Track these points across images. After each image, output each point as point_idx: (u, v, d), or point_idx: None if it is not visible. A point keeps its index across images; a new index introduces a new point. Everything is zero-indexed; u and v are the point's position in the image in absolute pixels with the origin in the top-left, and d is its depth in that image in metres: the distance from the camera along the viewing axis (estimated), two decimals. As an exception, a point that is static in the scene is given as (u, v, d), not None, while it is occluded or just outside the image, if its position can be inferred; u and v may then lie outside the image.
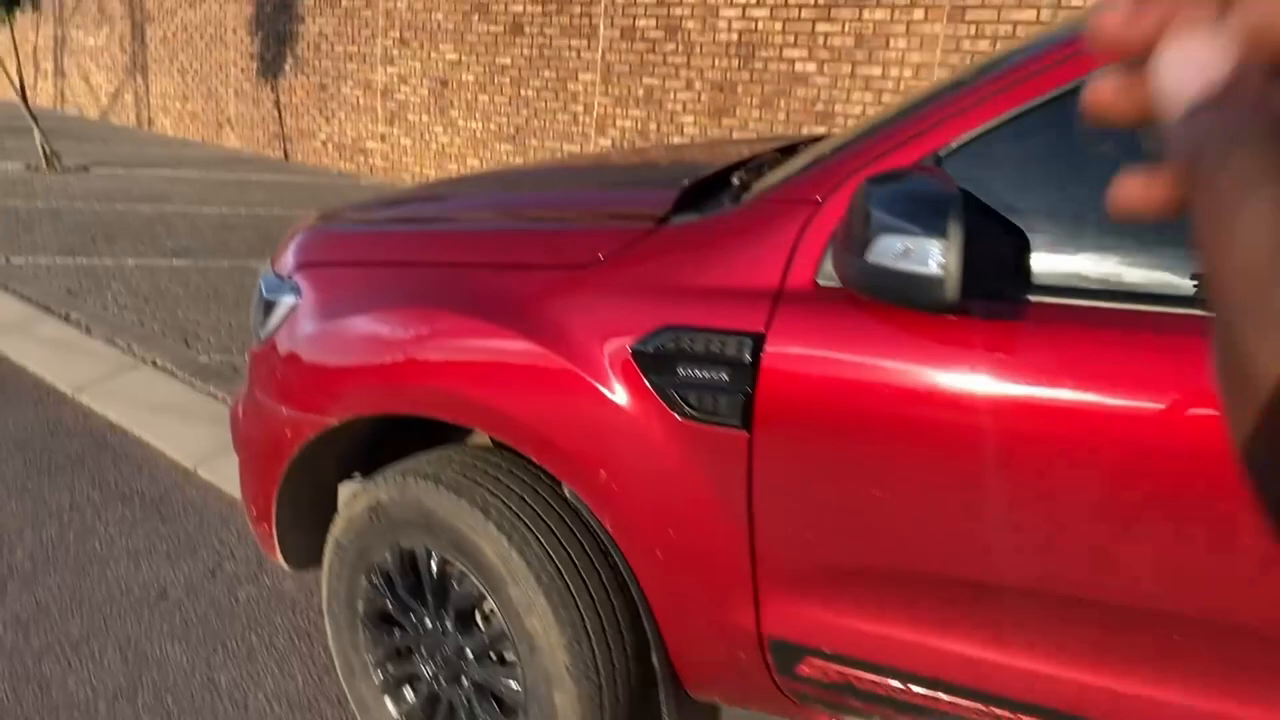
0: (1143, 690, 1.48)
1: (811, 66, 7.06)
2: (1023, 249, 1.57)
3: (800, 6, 7.07)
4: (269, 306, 2.18)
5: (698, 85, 7.69)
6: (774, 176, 1.86)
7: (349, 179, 10.39)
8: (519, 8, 8.77)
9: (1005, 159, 1.63)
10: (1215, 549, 1.38)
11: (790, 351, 1.64)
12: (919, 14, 6.54)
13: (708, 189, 2.11)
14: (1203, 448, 1.40)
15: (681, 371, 1.72)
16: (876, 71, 6.77)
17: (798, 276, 1.66)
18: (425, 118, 9.81)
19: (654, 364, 1.73)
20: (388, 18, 9.93)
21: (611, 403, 1.77)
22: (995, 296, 1.50)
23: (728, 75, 7.50)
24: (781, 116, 7.24)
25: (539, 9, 8.62)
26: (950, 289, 1.32)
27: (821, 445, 1.64)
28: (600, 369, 1.77)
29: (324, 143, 10.96)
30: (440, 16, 9.46)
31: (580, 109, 8.48)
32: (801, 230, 1.67)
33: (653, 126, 8.01)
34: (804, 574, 1.69)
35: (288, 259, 2.23)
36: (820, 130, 7.03)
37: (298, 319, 2.10)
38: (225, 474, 3.48)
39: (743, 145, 2.82)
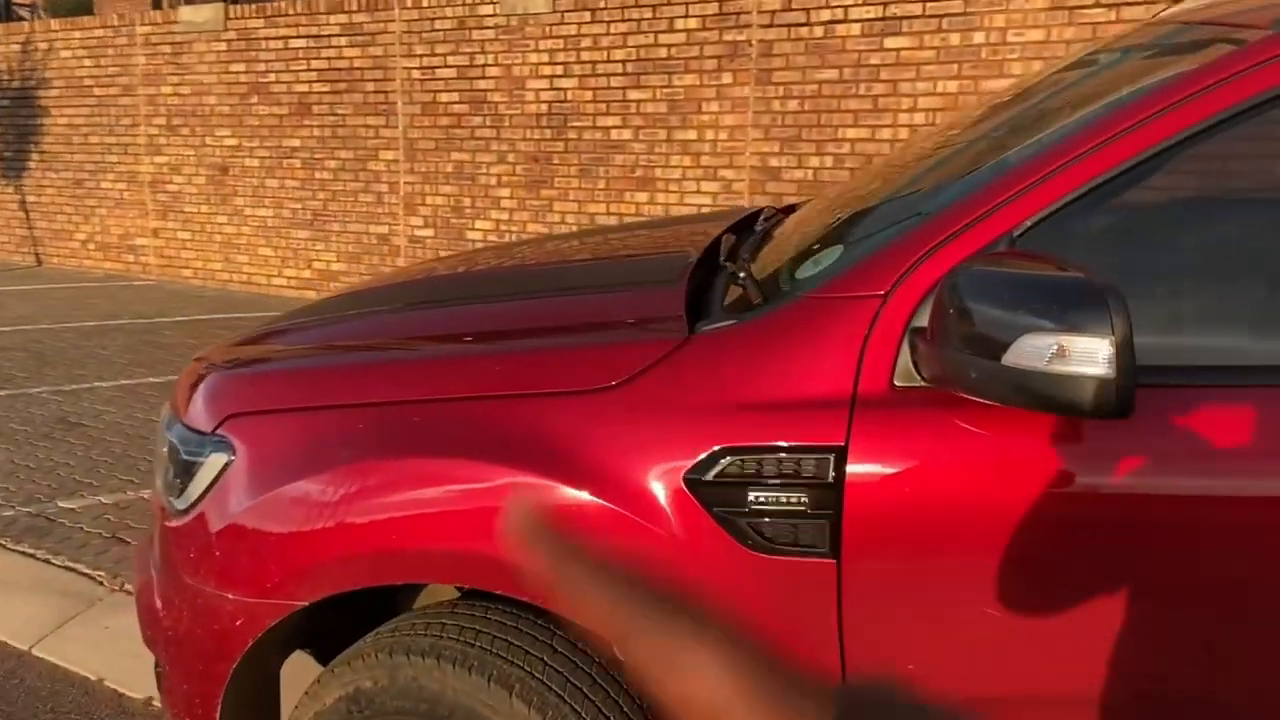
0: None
1: (627, 133, 7.05)
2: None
3: (609, 75, 7.06)
4: (188, 468, 1.78)
5: (511, 158, 7.51)
6: (803, 267, 1.69)
7: (119, 280, 9.43)
8: (304, 87, 8.30)
9: (1092, 234, 1.54)
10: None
11: (877, 464, 1.46)
12: (727, 78, 6.68)
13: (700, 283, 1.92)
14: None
15: (750, 496, 1.50)
16: (692, 135, 6.84)
17: (872, 380, 1.49)
18: (204, 208, 9.07)
19: (714, 492, 1.51)
20: (151, 105, 9.15)
21: (665, 542, 1.53)
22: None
23: (541, 146, 7.37)
24: (601, 184, 7.18)
25: (327, 88, 8.19)
26: (1124, 391, 1.18)
27: (921, 565, 1.47)
28: (647, 505, 1.52)
29: (84, 243, 9.91)
30: (213, 100, 8.81)
31: (384, 188, 8.09)
32: (869, 327, 1.50)
33: (466, 202, 7.75)
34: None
35: (201, 408, 1.83)
36: (648, 198, 7.01)
37: (235, 482, 1.71)
38: (72, 650, 2.90)
39: (672, 227, 2.64)
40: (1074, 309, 1.21)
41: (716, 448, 1.50)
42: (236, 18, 8.53)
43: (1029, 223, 1.46)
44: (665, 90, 6.90)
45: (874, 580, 1.49)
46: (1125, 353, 1.18)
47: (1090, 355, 1.19)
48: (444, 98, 7.70)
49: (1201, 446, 1.36)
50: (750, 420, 1.51)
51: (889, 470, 1.46)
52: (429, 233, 7.95)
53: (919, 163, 1.91)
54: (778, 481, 1.49)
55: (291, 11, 8.20)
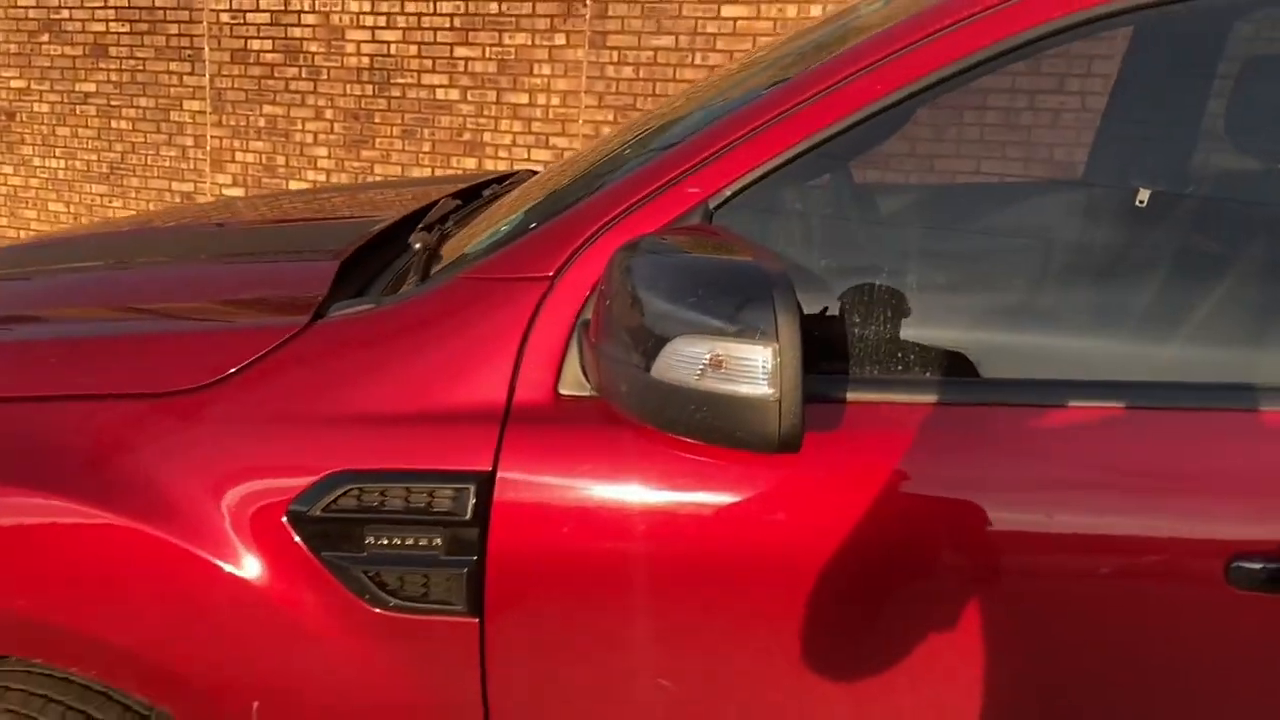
0: None
1: (454, 94, 6.58)
2: (840, 332, 1.18)
3: (435, 29, 6.57)
4: None
5: (329, 114, 6.93)
6: (475, 242, 1.34)
7: (-113, 233, 8.39)
8: (100, 26, 7.49)
9: (804, 207, 1.24)
10: None
11: (532, 496, 1.14)
12: (560, 39, 6.29)
13: (378, 256, 1.55)
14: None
15: (369, 539, 1.15)
16: (524, 99, 6.43)
17: (531, 386, 1.16)
18: (-12, 156, 8.13)
19: (324, 530, 1.15)
20: (-75, 37, 8.13)
21: (259, 595, 1.17)
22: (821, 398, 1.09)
23: (362, 103, 6.82)
24: (426, 147, 6.69)
25: (126, 28, 7.41)
26: (789, 417, 0.87)
27: (587, 625, 1.15)
28: (233, 547, 1.16)
29: None
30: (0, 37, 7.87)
31: (189, 142, 7.38)
32: (530, 320, 1.17)
33: (280, 160, 7.13)
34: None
35: None
36: (476, 164, 6.56)
37: None
38: None
39: (405, 188, 2.25)
40: (733, 304, 0.90)
41: (329, 473, 1.15)
42: (24, -56, 7.62)
43: (729, 190, 1.15)
44: (496, 49, 6.45)
45: (528, 644, 1.16)
46: (791, 365, 0.87)
47: (747, 367, 0.88)
48: (255, 45, 7.04)
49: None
50: (374, 436, 1.16)
51: (548, 504, 1.14)
52: (239, 191, 7.31)
53: (647, 126, 1.58)
54: (404, 519, 1.14)
55: (86, -60, 7.37)
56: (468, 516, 1.12)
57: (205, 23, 7.14)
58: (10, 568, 1.16)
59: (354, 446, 1.15)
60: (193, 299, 1.36)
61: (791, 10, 5.70)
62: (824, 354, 1.14)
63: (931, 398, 1.07)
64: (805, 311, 1.16)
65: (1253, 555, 1.00)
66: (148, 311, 1.32)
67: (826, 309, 1.15)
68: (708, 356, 0.88)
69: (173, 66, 7.28)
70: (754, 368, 0.86)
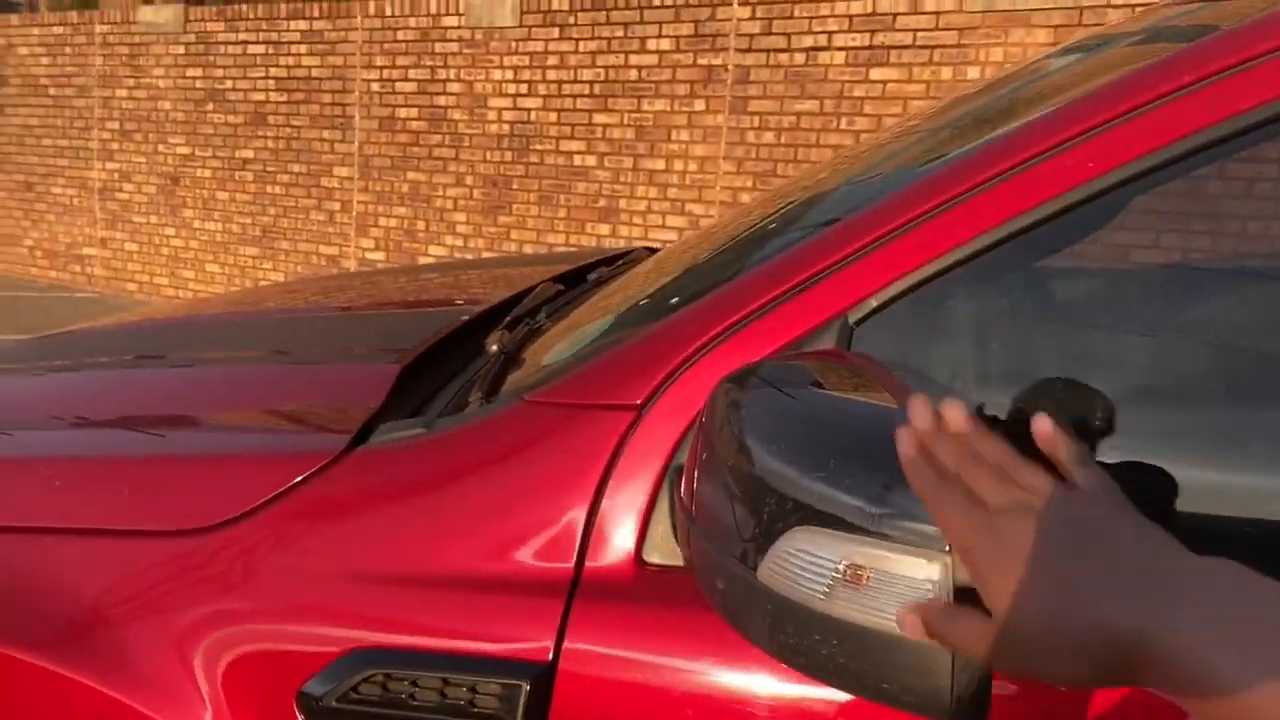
0: None
1: (591, 160, 6.50)
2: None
3: (575, 96, 6.52)
4: None
5: (469, 180, 6.96)
6: (553, 352, 1.09)
7: (62, 291, 8.91)
8: (260, 96, 7.80)
9: (966, 325, 0.94)
10: None
11: (606, 699, 0.86)
12: (700, 105, 6.12)
13: (455, 356, 1.31)
14: None
15: (393, 742, 0.89)
16: (660, 165, 6.28)
17: (607, 550, 0.89)
18: (154, 219, 8.56)
19: (342, 725, 0.90)
20: (105, 107, 8.67)
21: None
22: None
23: (501, 169, 6.83)
24: (562, 213, 6.62)
25: (284, 97, 7.69)
26: (969, 675, 0.57)
27: None
28: (236, 732, 0.92)
29: (31, 249, 9.41)
30: (168, 105, 8.31)
31: (337, 207, 7.55)
32: (610, 462, 0.90)
33: (421, 225, 7.20)
34: None
35: None
36: (610, 230, 6.44)
37: None
38: None
39: (511, 268, 2.02)
40: (880, 483, 0.60)
41: (350, 651, 0.90)
42: (196, 20, 8.06)
43: (875, 301, 0.86)
44: (634, 115, 6.35)
45: None
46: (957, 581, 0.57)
47: (902, 588, 0.58)
48: (402, 113, 7.17)
49: None
50: (406, 607, 0.91)
51: (628, 709, 0.86)
52: (380, 256, 7.41)
53: (780, 207, 1.29)
54: (441, 717, 0.88)
55: (252, 16, 7.72)
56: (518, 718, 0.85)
57: (357, 92, 7.33)
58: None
59: (383, 616, 0.90)
60: (219, 409, 1.15)
61: (946, 73, 5.36)
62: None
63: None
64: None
65: None
66: (163, 423, 1.12)
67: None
68: (842, 565, 0.59)
69: (325, 134, 7.50)
70: (913, 590, 0.56)
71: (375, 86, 7.28)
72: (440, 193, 7.09)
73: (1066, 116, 0.84)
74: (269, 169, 7.87)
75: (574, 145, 6.54)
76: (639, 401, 0.90)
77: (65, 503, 1.00)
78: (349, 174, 7.49)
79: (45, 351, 1.51)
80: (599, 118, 6.43)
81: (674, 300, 0.97)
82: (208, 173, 8.19)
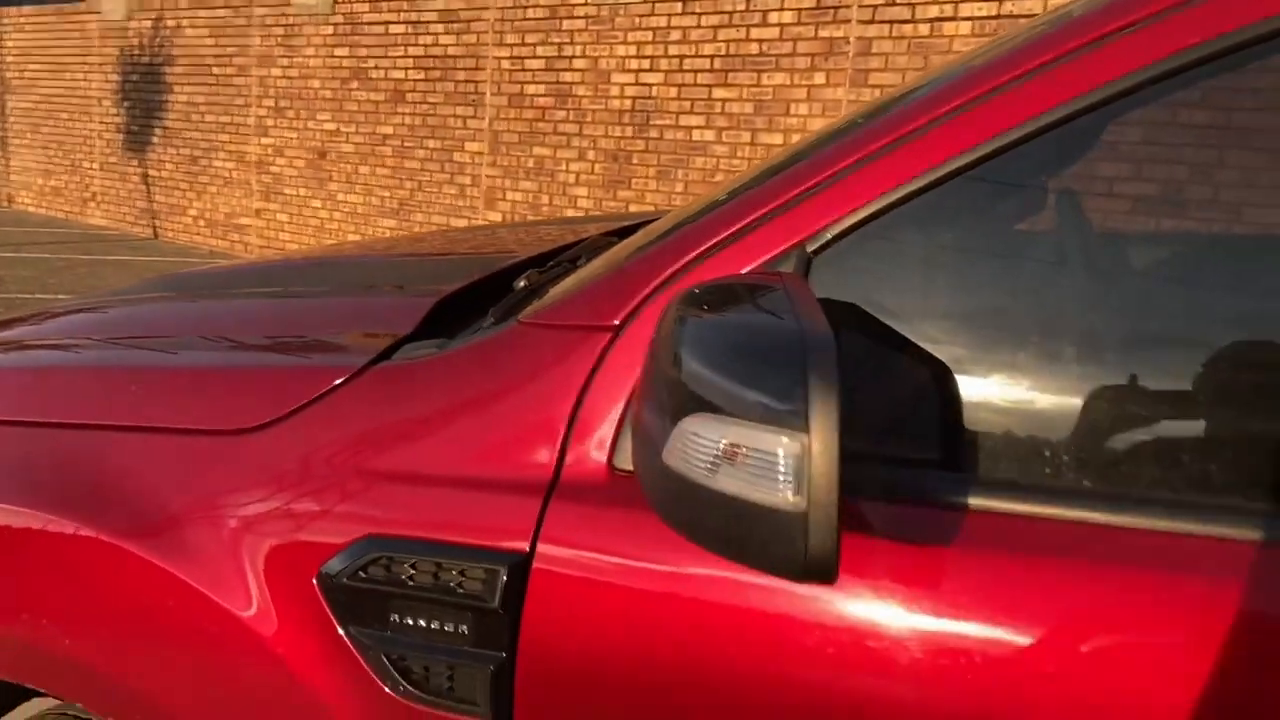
0: None
1: (710, 134, 6.54)
2: (952, 410, 0.92)
3: (696, 71, 6.57)
4: None
5: (591, 155, 7.12)
6: (564, 285, 1.19)
7: (223, 258, 9.56)
8: (400, 74, 8.15)
9: (923, 255, 0.98)
10: None
11: (575, 585, 0.96)
12: (820, 78, 6.08)
13: (493, 296, 1.43)
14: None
15: (395, 618, 1.01)
16: (778, 139, 6.27)
17: (583, 456, 0.98)
18: (303, 191, 9.07)
19: (352, 602, 1.03)
20: (262, 86, 9.23)
21: (281, 661, 1.06)
22: (909, 497, 0.84)
23: (622, 144, 6.95)
24: (680, 188, 6.70)
25: (422, 75, 8.02)
26: (819, 538, 0.64)
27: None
28: (262, 606, 1.06)
29: (195, 219, 10.12)
30: (317, 84, 8.79)
31: (468, 181, 7.84)
32: (589, 377, 0.99)
33: (544, 199, 7.41)
34: None
35: None
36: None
37: None
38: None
39: (584, 224, 2.14)
40: (758, 376, 0.67)
41: (364, 536, 1.03)
42: (345, 1, 8.47)
43: (831, 232, 0.92)
44: (753, 89, 6.36)
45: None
46: (824, 465, 0.63)
47: (766, 464, 0.65)
48: (530, 89, 7.38)
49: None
50: (410, 500, 1.03)
51: (593, 596, 0.95)
52: (506, 229, 7.65)
53: (774, 156, 1.35)
54: (432, 597, 1.00)
55: (394, -3, 8.07)
56: (496, 603, 0.96)
57: (489, 69, 7.59)
58: (56, 605, 1.12)
59: (389, 508, 1.02)
60: (279, 332, 1.30)
61: (1075, 41, 5.16)
62: (948, 441, 0.88)
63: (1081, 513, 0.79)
64: (938, 388, 0.91)
65: None
66: (223, 344, 1.27)
67: (955, 383, 0.89)
68: (722, 445, 0.67)
69: (458, 110, 7.79)
70: (773, 465, 0.63)
71: (505, 64, 7.51)
72: (564, 167, 7.28)
73: (1009, 60, 0.88)
74: (406, 144, 8.23)
75: (693, 120, 6.60)
76: (617, 322, 0.99)
77: (140, 405, 1.16)
78: (480, 149, 7.77)
79: (172, 285, 1.71)
80: (718, 92, 6.47)
81: (657, 236, 1.05)
82: (351, 147, 8.64)
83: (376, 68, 8.36)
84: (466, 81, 7.79)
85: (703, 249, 0.97)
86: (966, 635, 0.80)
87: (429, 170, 8.13)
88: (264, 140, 9.33)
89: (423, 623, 0.99)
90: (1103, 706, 0.78)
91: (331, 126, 8.76)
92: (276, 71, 9.14)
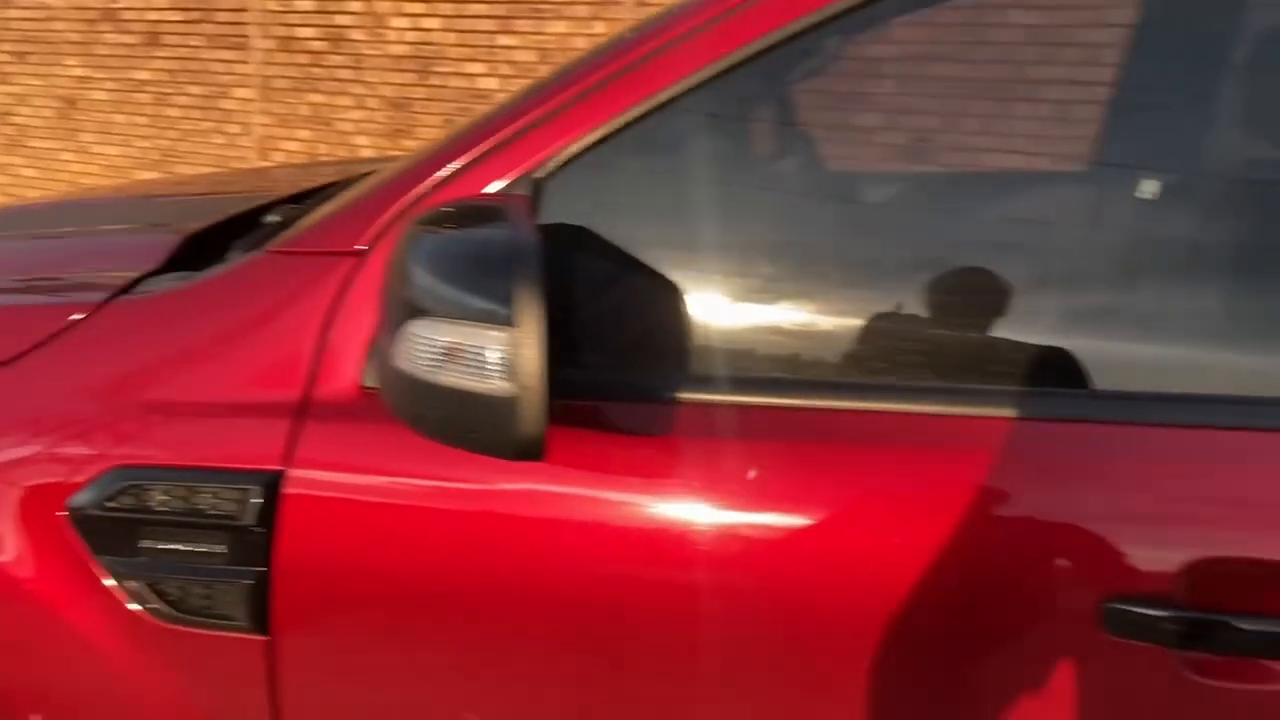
0: None
1: (494, 82, 6.49)
2: (674, 315, 1.02)
3: (477, 18, 6.49)
4: None
5: (371, 103, 6.91)
6: (308, 216, 1.21)
7: (-43, 217, 8.66)
8: (155, 15, 7.59)
9: (637, 180, 1.08)
10: None
11: (326, 500, 1.01)
12: (600, 27, 6.15)
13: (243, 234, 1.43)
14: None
15: (149, 544, 1.03)
16: (561, 87, 6.30)
17: (333, 377, 1.02)
18: (51, 144, 8.33)
19: (103, 531, 1.04)
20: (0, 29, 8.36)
21: (37, 598, 1.06)
22: (618, 395, 0.95)
23: (404, 91, 6.79)
24: (464, 136, 6.62)
25: (179, 16, 7.49)
26: (528, 419, 0.72)
27: (384, 639, 1.02)
28: (15, 550, 1.05)
29: (-74, 174, 9.10)
30: (62, 26, 8.05)
31: (237, 129, 7.44)
32: (335, 301, 1.03)
33: (323, 148, 7.14)
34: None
35: None
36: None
37: None
38: None
39: (336, 167, 2.13)
40: (471, 279, 0.75)
41: (112, 467, 1.03)
42: (87, -65, 7.78)
43: (555, 160, 1.00)
44: (536, 37, 6.34)
45: (321, 666, 1.03)
46: (531, 356, 0.72)
47: (479, 359, 0.73)
48: (302, 33, 7.06)
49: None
50: (158, 429, 1.04)
51: (343, 510, 1.00)
52: (283, 180, 7.34)
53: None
54: (185, 521, 1.02)
55: (143, -70, 7.48)
56: (251, 521, 0.99)
57: (254, 10, 7.18)
58: None
59: (137, 439, 1.03)
60: (11, 273, 1.26)
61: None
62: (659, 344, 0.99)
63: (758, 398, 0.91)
64: (662, 298, 1.01)
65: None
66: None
67: (669, 294, 1.00)
68: (442, 344, 0.74)
69: (223, 54, 7.34)
70: (487, 358, 0.71)
71: (273, 5, 7.14)
72: (342, 115, 7.02)
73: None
74: (166, 91, 7.69)
75: (476, 68, 6.52)
76: (361, 247, 1.03)
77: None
78: (248, 96, 7.37)
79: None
80: (501, 40, 6.42)
81: (400, 165, 1.10)
82: (104, 95, 7.98)
83: (128, 8, 7.74)
84: (230, 24, 7.34)
85: (441, 176, 1.03)
86: (695, 518, 0.92)
87: (192, 118, 7.64)
88: (5, 89, 8.47)
89: (178, 546, 1.02)
90: (789, 569, 0.91)
91: (81, 72, 8.06)
92: (14, 13, 8.29)
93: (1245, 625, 0.85)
